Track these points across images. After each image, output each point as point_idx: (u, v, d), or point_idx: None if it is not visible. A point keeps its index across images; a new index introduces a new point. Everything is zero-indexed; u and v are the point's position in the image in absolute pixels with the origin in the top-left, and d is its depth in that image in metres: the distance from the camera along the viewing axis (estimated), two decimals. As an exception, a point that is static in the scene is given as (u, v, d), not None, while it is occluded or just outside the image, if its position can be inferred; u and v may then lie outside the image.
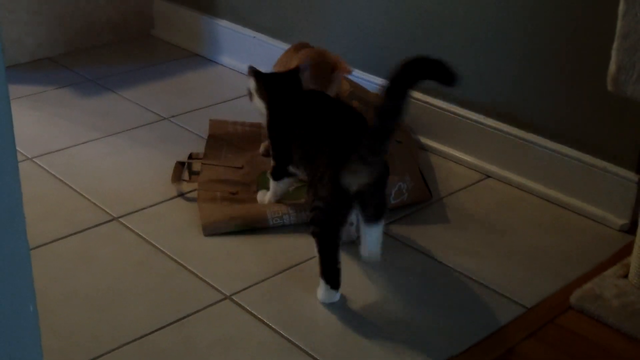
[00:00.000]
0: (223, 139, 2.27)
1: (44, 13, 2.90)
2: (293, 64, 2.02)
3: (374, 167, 1.56)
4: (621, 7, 1.53)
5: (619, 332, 1.62)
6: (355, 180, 1.57)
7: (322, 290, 1.68)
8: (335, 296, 1.68)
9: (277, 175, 1.91)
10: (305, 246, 1.85)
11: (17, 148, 0.99)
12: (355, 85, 2.33)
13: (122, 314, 1.65)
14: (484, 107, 2.20)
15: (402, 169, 2.03)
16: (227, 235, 1.91)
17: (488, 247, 1.90)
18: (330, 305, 1.68)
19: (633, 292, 1.69)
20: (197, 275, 1.77)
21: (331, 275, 1.66)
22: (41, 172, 2.18)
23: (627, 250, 1.85)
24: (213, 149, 2.23)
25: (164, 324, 1.62)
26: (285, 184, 1.93)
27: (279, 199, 1.97)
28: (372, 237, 1.71)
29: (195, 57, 2.98)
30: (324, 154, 1.64)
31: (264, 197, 1.98)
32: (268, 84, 1.87)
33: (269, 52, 2.53)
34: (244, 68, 2.04)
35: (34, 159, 2.24)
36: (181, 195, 2.07)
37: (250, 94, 1.91)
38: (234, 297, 1.71)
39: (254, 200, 2.00)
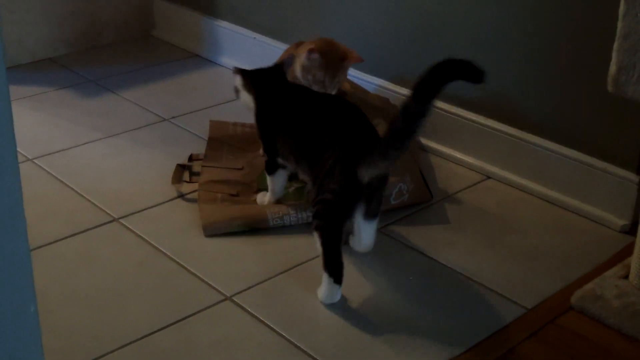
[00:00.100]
0: (223, 140, 2.27)
1: (45, 14, 2.90)
2: (304, 48, 2.02)
3: (392, 161, 1.60)
4: (622, 7, 1.53)
5: (620, 333, 1.62)
6: (371, 172, 1.60)
7: (323, 289, 1.68)
8: (336, 296, 1.68)
9: (271, 168, 1.93)
10: (306, 247, 1.85)
11: (18, 149, 0.99)
12: (355, 86, 2.33)
13: (123, 315, 1.65)
14: (484, 107, 2.20)
15: (402, 170, 2.03)
16: (227, 236, 1.91)
17: (488, 247, 1.90)
18: (331, 306, 1.68)
19: (633, 293, 1.69)
20: (197, 276, 1.77)
21: (335, 268, 1.66)
22: (42, 173, 2.18)
23: (627, 250, 1.85)
24: (213, 150, 2.23)
25: (165, 324, 1.62)
26: (280, 177, 1.94)
27: (279, 200, 1.97)
28: (368, 231, 1.76)
29: (196, 58, 2.98)
30: (330, 148, 1.66)
31: (264, 198, 1.98)
32: (254, 78, 1.93)
33: (269, 53, 2.53)
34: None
35: (34, 160, 2.24)
36: (181, 196, 2.07)
37: (236, 91, 1.95)
38: (234, 298, 1.71)
39: (254, 201, 2.00)
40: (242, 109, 1.98)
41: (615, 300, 1.67)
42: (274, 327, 1.62)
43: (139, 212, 2.01)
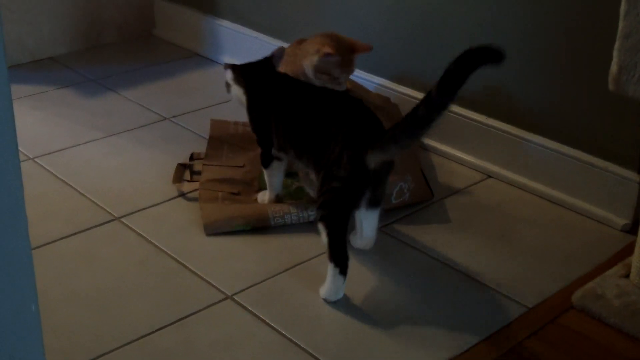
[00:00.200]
0: (224, 139, 2.28)
1: (45, 13, 2.90)
2: (311, 45, 2.00)
3: (403, 148, 1.62)
4: (623, 7, 1.53)
5: (621, 332, 1.62)
6: (379, 158, 1.62)
7: (328, 283, 1.68)
8: (340, 291, 1.68)
9: (266, 160, 1.93)
10: (307, 246, 1.85)
11: (19, 148, 0.99)
12: (356, 85, 2.33)
13: (124, 314, 1.65)
14: (485, 106, 2.20)
15: (403, 169, 2.03)
16: (228, 234, 1.91)
17: (489, 246, 1.90)
18: (332, 305, 1.68)
19: (634, 292, 1.69)
20: (198, 275, 1.77)
21: (341, 257, 1.66)
22: (43, 172, 2.18)
23: (628, 250, 1.85)
24: (214, 149, 2.23)
25: (165, 323, 1.62)
26: (277, 170, 1.94)
27: (280, 198, 1.97)
28: (370, 223, 1.77)
29: (197, 57, 2.98)
30: (336, 136, 1.66)
31: (265, 196, 1.98)
32: (244, 71, 1.95)
33: (270, 52, 2.52)
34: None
35: (35, 159, 2.24)
36: (182, 195, 2.07)
37: (227, 85, 1.97)
38: (235, 297, 1.71)
39: (255, 200, 2.00)
40: (243, 108, 1.98)
41: (616, 300, 1.67)
42: (275, 326, 1.62)
43: (139, 211, 2.01)
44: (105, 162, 2.24)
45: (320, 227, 1.68)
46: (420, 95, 2.29)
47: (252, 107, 1.92)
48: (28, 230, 0.83)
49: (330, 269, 1.67)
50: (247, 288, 1.73)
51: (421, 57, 2.31)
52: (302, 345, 1.57)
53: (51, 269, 1.78)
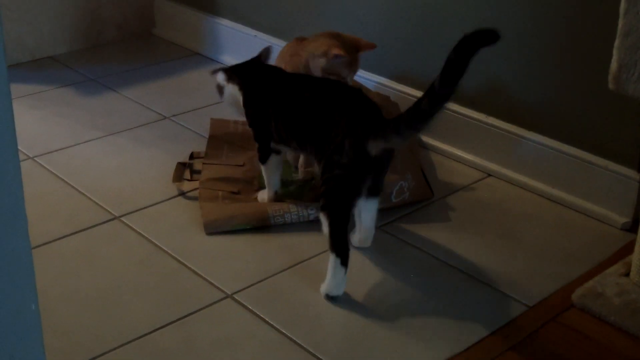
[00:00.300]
0: (224, 138, 2.28)
1: (45, 12, 2.90)
2: (316, 46, 1.99)
3: (405, 139, 1.63)
4: (622, 5, 1.53)
5: (621, 330, 1.62)
6: (381, 145, 1.63)
7: (329, 276, 1.68)
8: (341, 286, 1.68)
9: (263, 155, 1.93)
10: (307, 244, 1.85)
11: (19, 147, 0.99)
12: (356, 84, 2.33)
13: (124, 313, 1.65)
14: (485, 105, 2.20)
15: (403, 168, 2.03)
16: (228, 233, 1.91)
17: (489, 245, 1.90)
18: (333, 304, 1.68)
19: (634, 291, 1.69)
20: (198, 274, 1.77)
21: (342, 247, 1.66)
22: (42, 171, 2.18)
23: (628, 248, 1.85)
24: (214, 148, 2.23)
25: (166, 322, 1.62)
26: (274, 166, 1.94)
27: (280, 197, 1.97)
28: (369, 212, 1.78)
29: (197, 56, 2.98)
30: (338, 124, 1.66)
31: (264, 195, 1.98)
32: (236, 70, 1.97)
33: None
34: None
35: (35, 158, 2.24)
36: (182, 194, 2.07)
37: (219, 88, 1.98)
38: (235, 296, 1.71)
39: (255, 198, 2.00)
40: (237, 109, 1.98)
41: (616, 298, 1.67)
42: (275, 325, 1.62)
43: (139, 210, 2.01)
44: (105, 161, 2.24)
45: (322, 217, 1.68)
46: (419, 94, 2.30)
47: (249, 101, 1.92)
48: (28, 229, 0.83)
49: (331, 261, 1.67)
50: (247, 287, 1.73)
51: (421, 56, 2.31)
52: (302, 344, 1.57)
53: (51, 269, 1.78)
